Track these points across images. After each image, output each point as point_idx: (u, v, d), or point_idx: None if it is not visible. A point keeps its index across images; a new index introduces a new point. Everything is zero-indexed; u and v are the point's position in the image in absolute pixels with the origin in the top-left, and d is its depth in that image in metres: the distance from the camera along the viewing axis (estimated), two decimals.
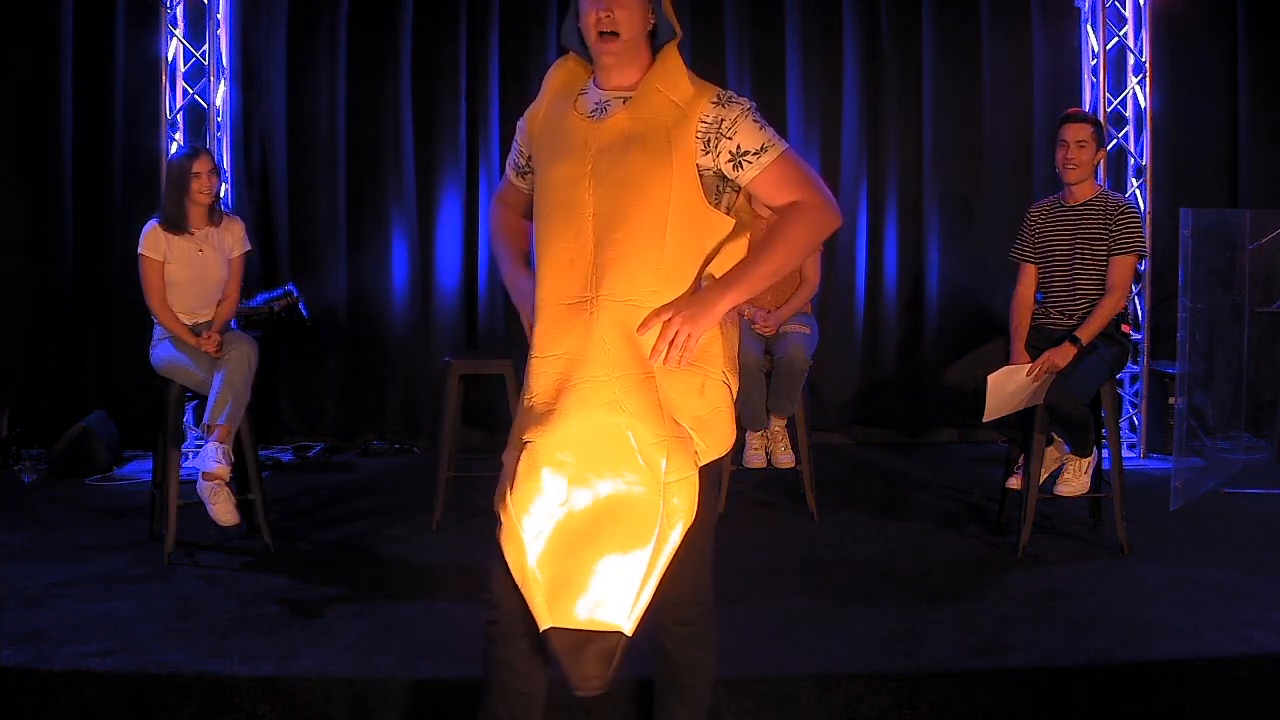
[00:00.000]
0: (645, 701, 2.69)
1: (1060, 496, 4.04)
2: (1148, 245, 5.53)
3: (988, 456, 5.62)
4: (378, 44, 5.94)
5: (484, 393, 5.91)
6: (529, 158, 2.32)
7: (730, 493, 4.49)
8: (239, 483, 3.99)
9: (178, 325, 4.03)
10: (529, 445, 2.11)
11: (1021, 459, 4.07)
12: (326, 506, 4.75)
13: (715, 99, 2.17)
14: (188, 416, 5.13)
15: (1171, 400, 5.17)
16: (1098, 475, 4.10)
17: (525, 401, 2.16)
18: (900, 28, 6.03)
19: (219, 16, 5.75)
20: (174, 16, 5.63)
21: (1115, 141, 5.84)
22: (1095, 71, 5.87)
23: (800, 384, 4.36)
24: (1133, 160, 5.84)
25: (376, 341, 6.06)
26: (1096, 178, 4.15)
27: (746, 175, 2.16)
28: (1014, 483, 4.12)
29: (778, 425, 4.54)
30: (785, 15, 5.98)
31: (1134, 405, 5.85)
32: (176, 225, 4.07)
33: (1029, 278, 4.14)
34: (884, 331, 6.16)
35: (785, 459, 4.54)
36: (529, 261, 2.33)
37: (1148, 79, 5.68)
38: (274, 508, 4.30)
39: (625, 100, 2.17)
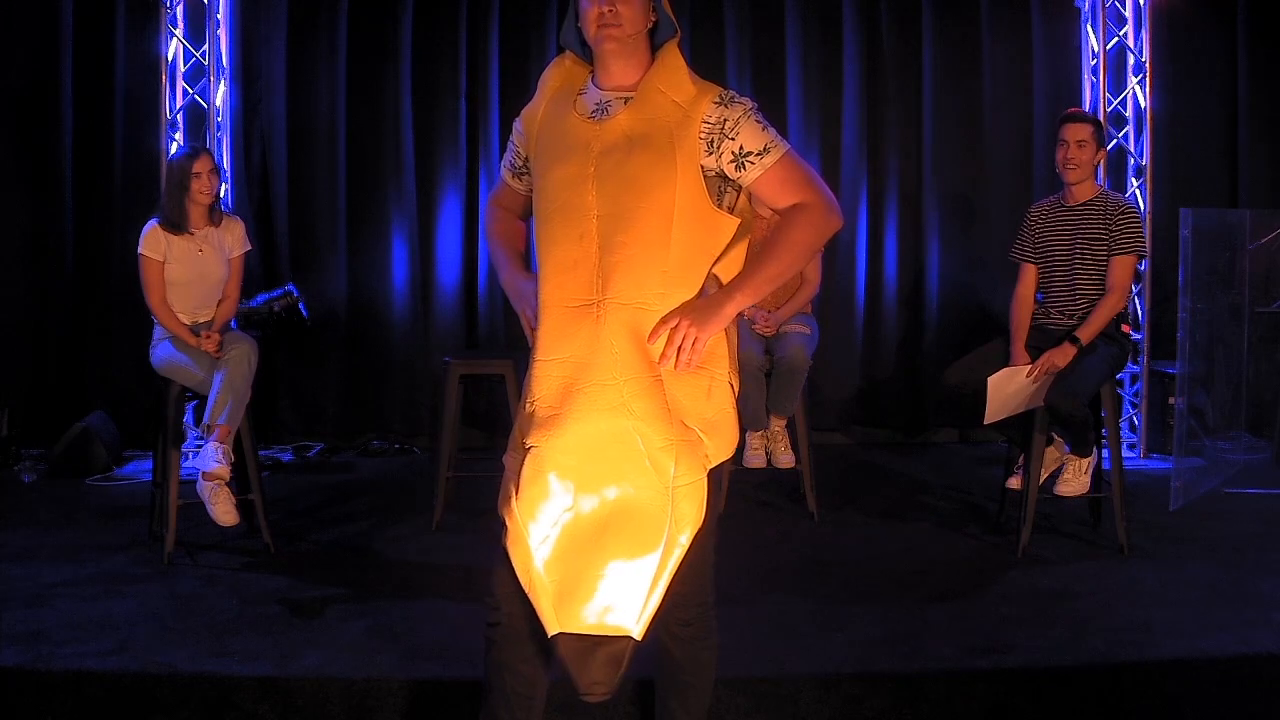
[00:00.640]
0: (646, 701, 2.69)
1: (1060, 496, 4.04)
2: (1148, 245, 5.54)
3: (988, 456, 5.62)
4: (378, 44, 5.94)
5: (484, 393, 5.91)
6: (525, 159, 2.31)
7: (730, 493, 4.49)
8: (239, 483, 3.99)
9: (178, 325, 4.03)
10: (534, 450, 2.09)
11: (1021, 459, 4.07)
12: (326, 506, 4.75)
13: (718, 99, 2.16)
14: (188, 416, 5.13)
15: (1171, 400, 5.16)
16: (1098, 475, 4.10)
17: (528, 406, 2.14)
18: (900, 28, 6.03)
19: (219, 16, 5.75)
20: (174, 16, 5.63)
21: (1115, 141, 5.84)
22: (1095, 71, 5.87)
23: (800, 384, 4.36)
24: (1133, 160, 5.84)
25: (376, 341, 6.06)
26: (1097, 178, 4.15)
27: (749, 176, 2.15)
28: (1014, 483, 4.12)
29: (778, 425, 4.54)
30: (785, 15, 5.98)
31: (1134, 405, 5.85)
32: (176, 225, 4.07)
33: (1029, 277, 4.14)
34: (884, 331, 6.17)
35: (785, 459, 4.54)
36: (527, 263, 2.33)
37: (1148, 79, 5.68)
38: (274, 508, 4.30)
39: (626, 100, 2.16)
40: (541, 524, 2.07)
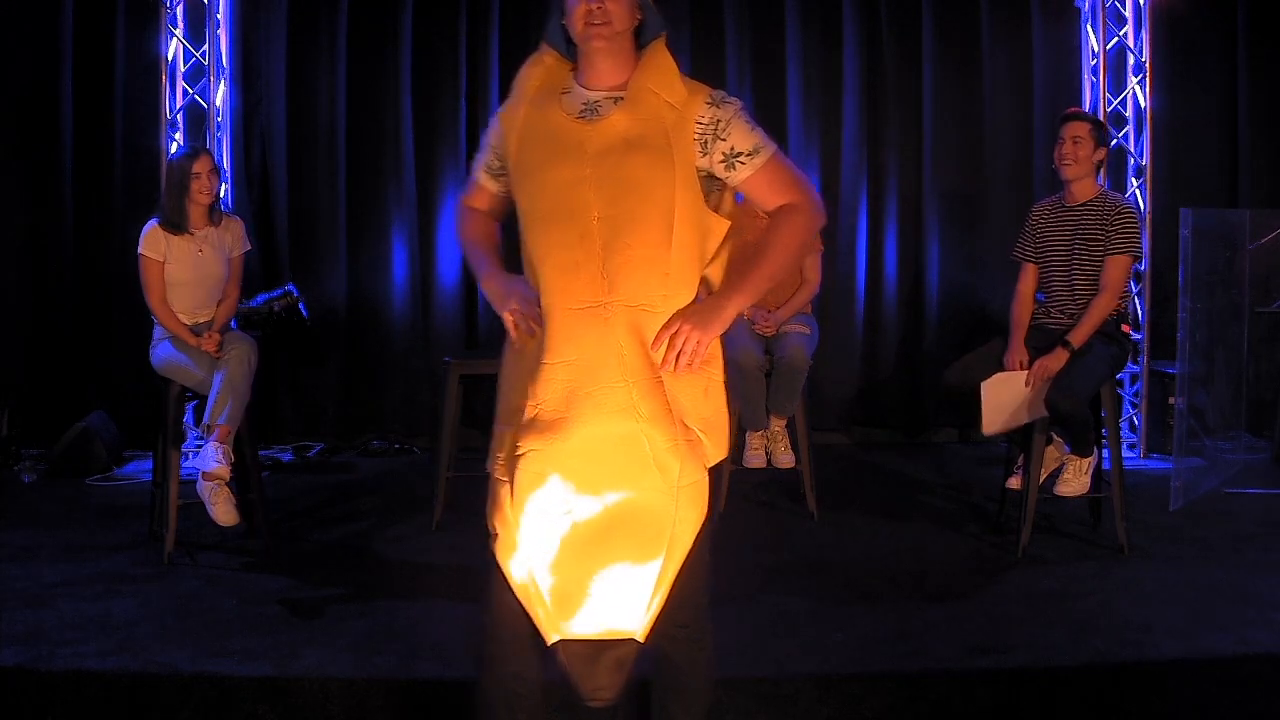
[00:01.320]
0: (644, 703, 2.69)
1: (1060, 496, 4.04)
2: (1147, 245, 5.55)
3: (988, 456, 5.62)
4: (378, 44, 5.94)
5: (484, 393, 5.89)
6: (502, 159, 2.26)
7: (730, 493, 4.49)
8: (239, 483, 3.99)
9: (178, 325, 4.03)
10: (533, 454, 2.07)
11: (1021, 459, 4.07)
12: (326, 506, 4.75)
13: (709, 99, 2.15)
14: (188, 416, 5.13)
15: (1171, 400, 5.16)
16: (1098, 475, 4.10)
17: (529, 410, 2.09)
18: (900, 28, 6.02)
19: (219, 16, 5.75)
20: (174, 16, 5.63)
21: (1115, 141, 5.84)
22: (1095, 71, 5.87)
23: (800, 384, 4.36)
24: (1133, 160, 5.84)
25: (376, 341, 6.06)
26: (1098, 179, 4.16)
27: (739, 176, 2.16)
28: (1014, 483, 4.12)
29: (778, 425, 4.54)
30: (785, 15, 5.98)
31: (1134, 405, 5.85)
32: (176, 225, 4.07)
33: (1030, 276, 4.15)
34: (884, 331, 6.16)
35: (785, 459, 4.54)
36: (505, 264, 2.29)
37: (1148, 79, 5.68)
38: (274, 508, 4.30)
39: (616, 100, 2.15)
40: (539, 529, 2.06)
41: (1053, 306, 4.09)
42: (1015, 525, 4.01)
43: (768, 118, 6.02)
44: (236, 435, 3.91)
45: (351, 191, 5.98)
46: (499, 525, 2.10)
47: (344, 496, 4.93)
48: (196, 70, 5.71)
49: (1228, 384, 5.03)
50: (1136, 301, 5.72)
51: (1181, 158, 5.95)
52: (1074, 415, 3.79)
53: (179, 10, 5.65)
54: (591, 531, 2.06)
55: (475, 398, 5.92)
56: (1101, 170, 4.36)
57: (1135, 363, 5.71)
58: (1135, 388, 5.85)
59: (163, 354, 4.04)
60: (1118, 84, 5.86)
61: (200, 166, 4.07)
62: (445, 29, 5.94)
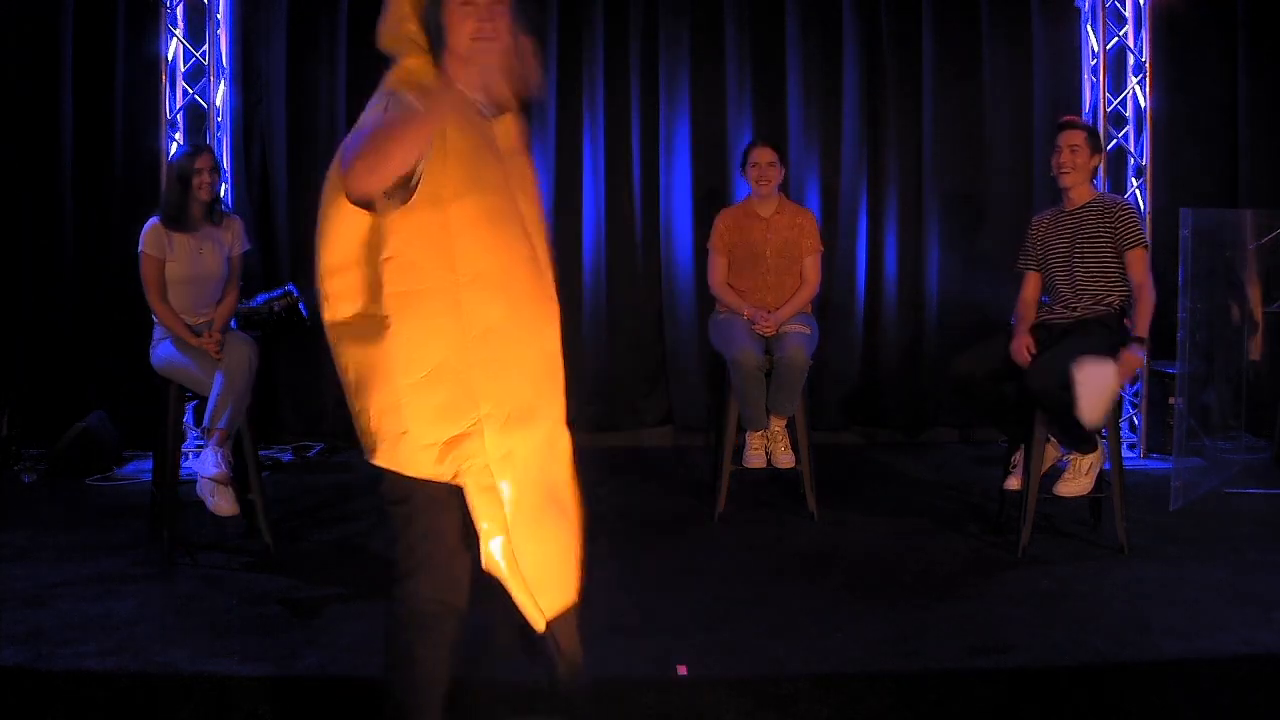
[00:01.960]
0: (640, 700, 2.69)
1: (1060, 496, 4.04)
2: (1148, 243, 5.57)
3: (988, 456, 5.62)
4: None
5: None
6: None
7: (730, 493, 4.50)
8: (239, 483, 3.99)
9: (177, 324, 4.03)
10: (479, 466, 2.06)
11: (1018, 460, 4.08)
12: (326, 506, 4.75)
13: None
14: (188, 416, 5.13)
15: (1171, 400, 5.16)
16: (1098, 475, 4.11)
17: (487, 408, 2.05)
18: (900, 28, 6.02)
19: (219, 16, 5.75)
20: (174, 16, 5.63)
21: (1115, 141, 5.84)
22: (1095, 71, 5.87)
23: (800, 384, 4.36)
24: (1133, 160, 5.84)
25: None
26: (1095, 184, 4.20)
27: None
28: (1012, 484, 4.12)
29: (778, 425, 4.54)
30: (785, 15, 5.98)
31: (1134, 405, 5.85)
32: (177, 222, 4.07)
33: (1033, 284, 4.23)
34: (884, 331, 6.16)
35: (785, 459, 4.54)
36: None
37: (1148, 79, 5.68)
38: (274, 508, 4.30)
39: (486, 107, 2.16)
40: (496, 526, 2.08)
41: (1056, 304, 4.12)
42: (1015, 525, 4.01)
43: (768, 118, 6.04)
44: (237, 435, 3.91)
45: None
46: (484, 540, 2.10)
47: (344, 496, 4.93)
48: (196, 70, 5.71)
49: (1228, 384, 5.03)
50: None
51: (1181, 158, 5.95)
52: (1044, 394, 3.79)
53: (179, 10, 5.65)
54: (532, 514, 2.11)
55: None
56: (1098, 174, 4.38)
57: None
58: (1135, 388, 5.85)
59: (163, 354, 4.03)
60: (1118, 84, 5.86)
61: (202, 163, 4.08)
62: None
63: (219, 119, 5.75)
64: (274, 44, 5.89)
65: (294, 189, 5.96)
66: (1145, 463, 5.59)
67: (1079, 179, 4.08)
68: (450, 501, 2.08)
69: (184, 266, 4.08)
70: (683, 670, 2.90)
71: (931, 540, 4.18)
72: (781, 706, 2.80)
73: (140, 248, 4.06)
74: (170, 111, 5.61)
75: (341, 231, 2.04)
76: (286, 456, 5.76)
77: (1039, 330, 4.08)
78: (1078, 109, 5.93)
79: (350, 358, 2.08)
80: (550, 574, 2.12)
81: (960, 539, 4.19)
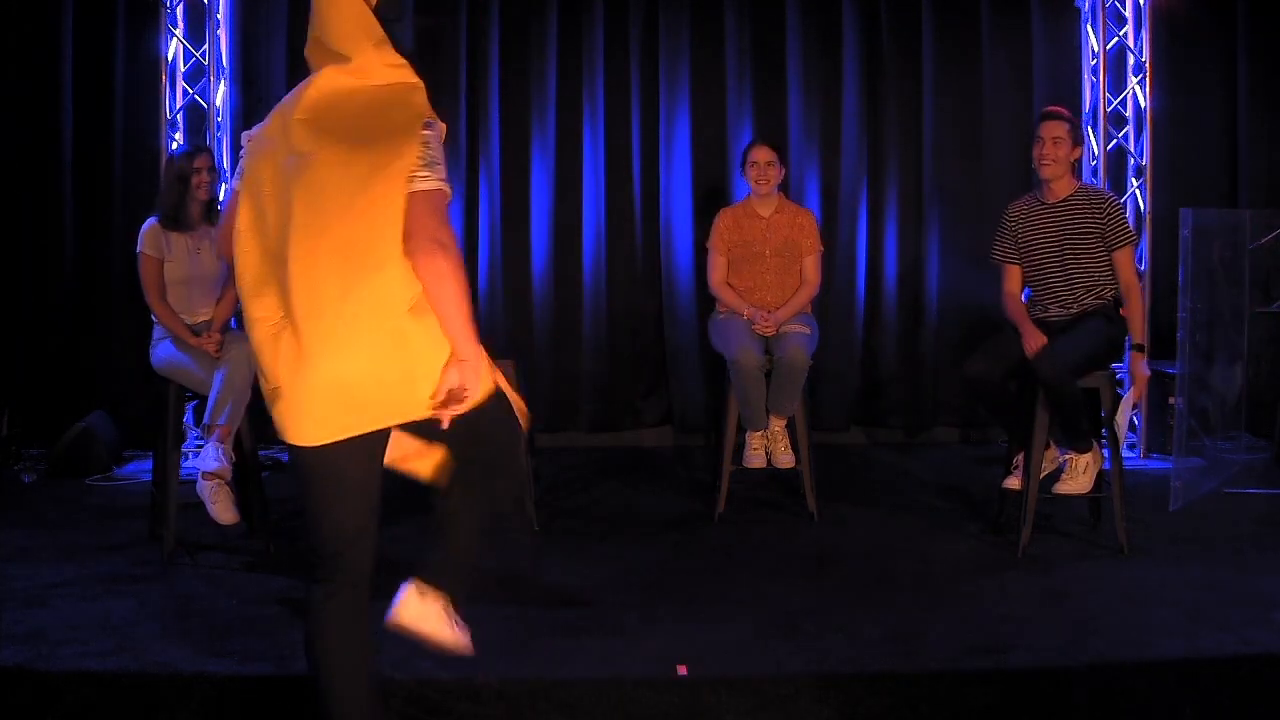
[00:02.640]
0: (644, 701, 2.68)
1: (1060, 496, 4.04)
2: (1147, 245, 5.58)
3: (988, 456, 5.62)
4: None
5: None
6: None
7: (730, 493, 4.50)
8: (239, 483, 3.99)
9: (177, 324, 4.03)
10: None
11: (1018, 460, 4.08)
12: None
13: None
14: (188, 416, 5.13)
15: (1171, 400, 5.16)
16: (1098, 475, 4.10)
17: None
18: (900, 27, 6.02)
19: (219, 16, 5.75)
20: (174, 16, 5.63)
21: (1115, 141, 5.84)
22: (1095, 71, 5.87)
23: (800, 384, 4.36)
24: (1133, 160, 5.84)
25: None
26: (1075, 174, 4.20)
27: None
28: (1011, 484, 4.12)
29: (778, 425, 4.54)
30: (785, 15, 5.98)
31: (1134, 406, 5.84)
32: (176, 221, 4.08)
33: (1014, 277, 4.22)
34: (884, 331, 6.16)
35: (785, 459, 4.54)
36: None
37: (1148, 79, 5.68)
38: (274, 508, 4.30)
39: None
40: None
41: (1051, 302, 4.11)
42: (1015, 525, 4.01)
43: (768, 117, 6.04)
44: (236, 435, 3.91)
45: None
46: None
47: None
48: (196, 70, 5.71)
49: (1228, 384, 5.02)
50: None
51: (1181, 158, 5.95)
52: (1055, 383, 3.79)
53: (179, 10, 5.65)
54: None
55: None
56: (1099, 166, 4.39)
57: None
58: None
59: (163, 354, 4.04)
60: (1118, 84, 5.86)
61: (201, 163, 4.09)
62: (445, 29, 5.93)
63: (219, 119, 5.75)
64: (274, 44, 5.89)
65: None
66: (1145, 463, 5.59)
67: (1060, 170, 4.06)
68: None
69: (182, 267, 4.08)
70: (683, 670, 2.89)
71: (931, 540, 4.18)
72: (781, 706, 2.80)
73: (139, 248, 4.06)
74: (170, 111, 5.61)
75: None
76: (286, 456, 5.75)
77: (1039, 327, 4.07)
78: (1078, 109, 5.93)
79: None
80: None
81: (960, 539, 4.19)
